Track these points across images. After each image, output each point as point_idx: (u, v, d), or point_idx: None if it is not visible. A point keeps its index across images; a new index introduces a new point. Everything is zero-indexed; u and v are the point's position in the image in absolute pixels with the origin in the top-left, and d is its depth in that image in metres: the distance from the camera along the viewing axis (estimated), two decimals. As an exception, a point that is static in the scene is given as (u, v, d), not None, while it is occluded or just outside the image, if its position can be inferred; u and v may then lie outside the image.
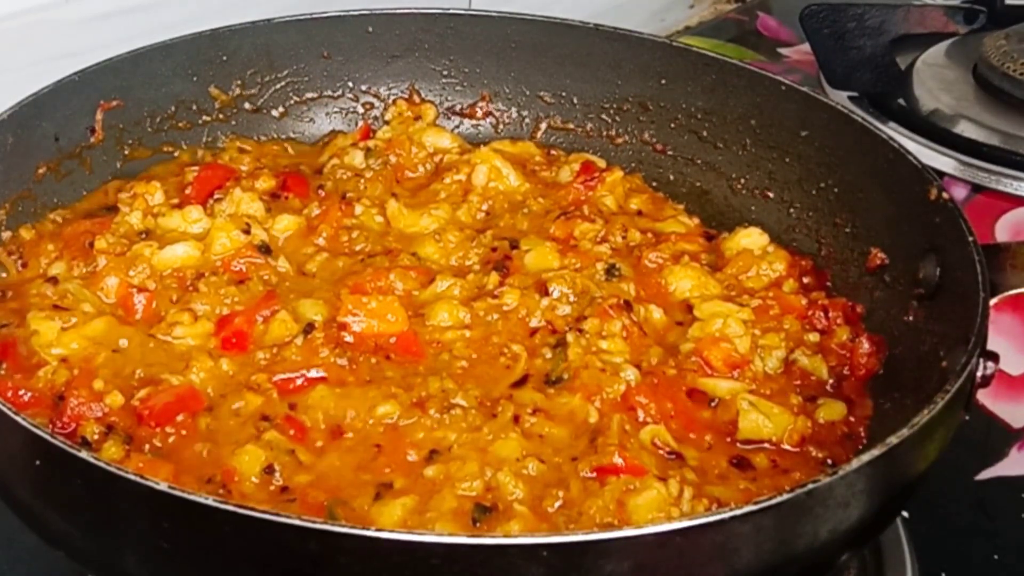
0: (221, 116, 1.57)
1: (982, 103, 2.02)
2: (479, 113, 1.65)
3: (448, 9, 1.62)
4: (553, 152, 1.61)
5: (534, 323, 1.29)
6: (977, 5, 2.28)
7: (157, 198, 1.41)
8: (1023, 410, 1.54)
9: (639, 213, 1.50)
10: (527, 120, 1.65)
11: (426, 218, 1.44)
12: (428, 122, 1.62)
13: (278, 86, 1.60)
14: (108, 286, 1.29)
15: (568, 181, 1.52)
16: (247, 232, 1.36)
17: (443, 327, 1.28)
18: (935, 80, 2.09)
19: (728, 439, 1.20)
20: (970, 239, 1.20)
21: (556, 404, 1.20)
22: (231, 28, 1.54)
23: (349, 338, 1.25)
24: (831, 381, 1.28)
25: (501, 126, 1.65)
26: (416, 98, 1.64)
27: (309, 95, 1.62)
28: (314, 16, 1.58)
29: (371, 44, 1.62)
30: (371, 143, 1.56)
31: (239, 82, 1.57)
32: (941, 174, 1.77)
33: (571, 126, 1.64)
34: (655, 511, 1.07)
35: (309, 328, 1.24)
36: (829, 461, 1.18)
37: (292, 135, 1.61)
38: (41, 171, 1.40)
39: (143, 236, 1.36)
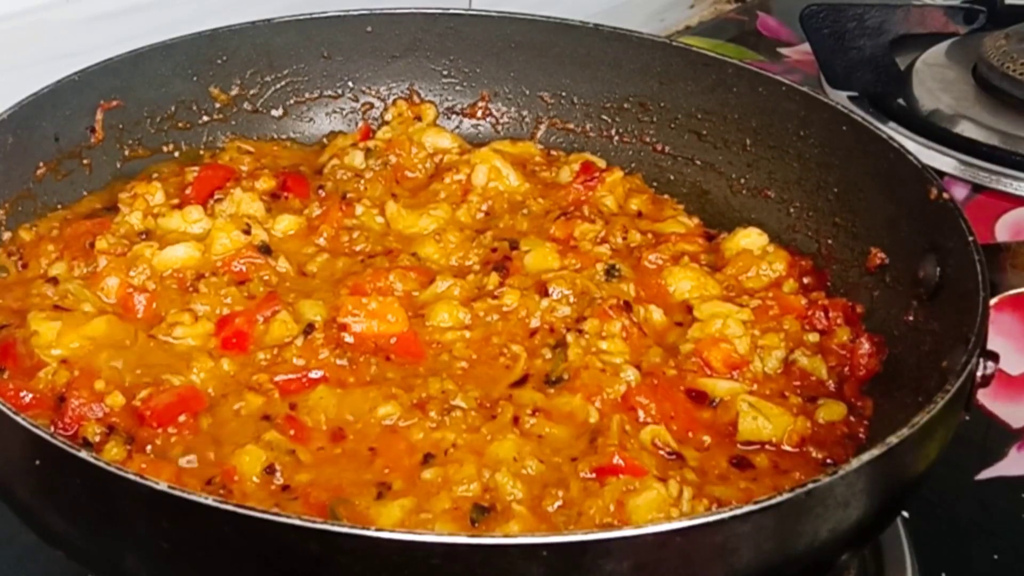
0: (221, 116, 1.57)
1: (982, 103, 2.02)
2: (479, 113, 1.65)
3: (448, 9, 1.62)
4: (553, 152, 1.61)
5: (534, 324, 1.29)
6: (977, 5, 2.28)
7: (157, 198, 1.41)
8: (1023, 410, 1.54)
9: (639, 214, 1.50)
10: (527, 120, 1.65)
11: (425, 218, 1.44)
12: (428, 122, 1.62)
13: (278, 86, 1.60)
14: (108, 286, 1.29)
15: (568, 181, 1.52)
16: (247, 232, 1.36)
17: (443, 328, 1.28)
18: (935, 80, 2.09)
19: (728, 439, 1.20)
20: (970, 239, 1.20)
21: (556, 404, 1.20)
22: (231, 28, 1.54)
23: (349, 339, 1.25)
24: (831, 381, 1.28)
25: (501, 126, 1.65)
26: (416, 98, 1.64)
27: (309, 95, 1.62)
28: (314, 16, 1.58)
29: (371, 44, 1.62)
30: (371, 143, 1.56)
31: (239, 82, 1.57)
32: (941, 174, 1.77)
33: (571, 126, 1.64)
34: (655, 511, 1.07)
35: (309, 328, 1.24)
36: (829, 461, 1.18)
37: (292, 135, 1.61)
38: (41, 171, 1.40)
39: (143, 236, 1.36)
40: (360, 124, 1.62)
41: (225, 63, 1.55)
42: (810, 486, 0.94)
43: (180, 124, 1.54)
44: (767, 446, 1.19)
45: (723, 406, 1.22)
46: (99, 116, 1.45)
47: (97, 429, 1.13)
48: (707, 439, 1.19)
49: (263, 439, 1.13)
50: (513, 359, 1.25)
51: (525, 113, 1.65)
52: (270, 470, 1.10)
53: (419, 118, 1.62)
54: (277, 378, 1.20)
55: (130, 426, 1.14)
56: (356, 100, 1.64)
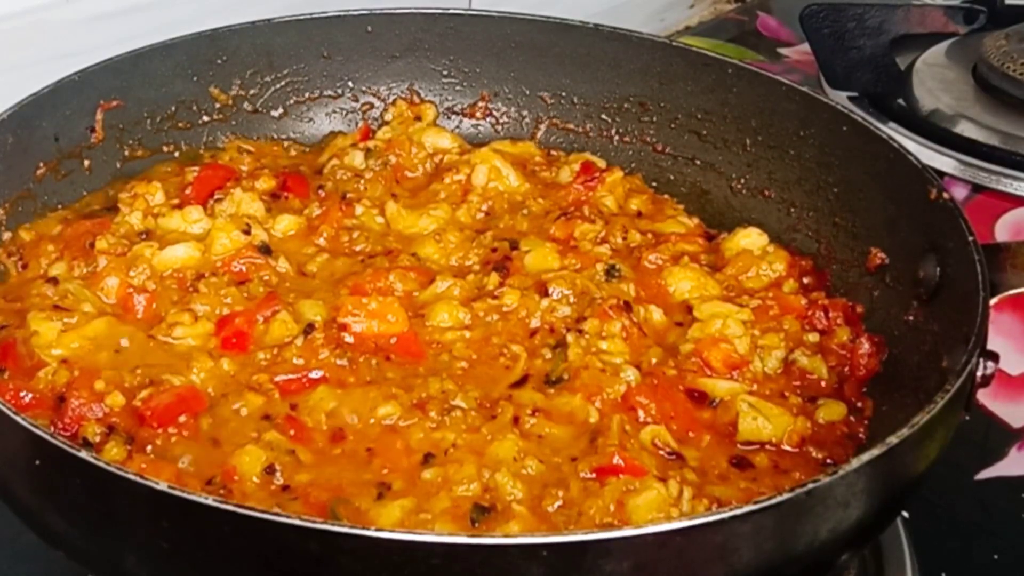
0: (221, 116, 1.57)
1: (982, 103, 2.02)
2: (479, 113, 1.65)
3: (448, 9, 1.62)
4: (553, 152, 1.61)
5: (534, 324, 1.29)
6: (977, 5, 2.28)
7: (157, 198, 1.41)
8: (1023, 410, 1.54)
9: (639, 214, 1.50)
10: (527, 120, 1.65)
11: (425, 218, 1.44)
12: (428, 122, 1.62)
13: (278, 86, 1.60)
14: (108, 286, 1.29)
15: (568, 181, 1.52)
16: (247, 232, 1.36)
17: (443, 328, 1.28)
18: (935, 80, 2.09)
19: (728, 439, 1.20)
20: (970, 239, 1.20)
21: (556, 404, 1.20)
22: (231, 28, 1.54)
23: (349, 339, 1.25)
24: (831, 381, 1.28)
25: (501, 126, 1.65)
26: (416, 98, 1.64)
27: (309, 95, 1.62)
28: (314, 16, 1.58)
29: (371, 44, 1.62)
30: (371, 143, 1.56)
31: (239, 82, 1.57)
32: (941, 174, 1.77)
33: (571, 126, 1.64)
34: (655, 511, 1.07)
35: (309, 328, 1.24)
36: (829, 461, 1.18)
37: (292, 135, 1.61)
38: (41, 171, 1.40)
39: (143, 236, 1.36)
40: (360, 124, 1.62)
41: (225, 63, 1.55)
42: (810, 486, 0.94)
43: (180, 124, 1.54)
44: (767, 446, 1.19)
45: (723, 406, 1.22)
46: (99, 116, 1.45)
47: (97, 429, 1.13)
48: (707, 439, 1.19)
49: (263, 439, 1.13)
50: (513, 359, 1.25)
51: (525, 113, 1.65)
52: (270, 470, 1.10)
53: (419, 118, 1.62)
54: (277, 378, 1.20)
55: (130, 426, 1.14)
56: (356, 100, 1.64)
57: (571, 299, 1.32)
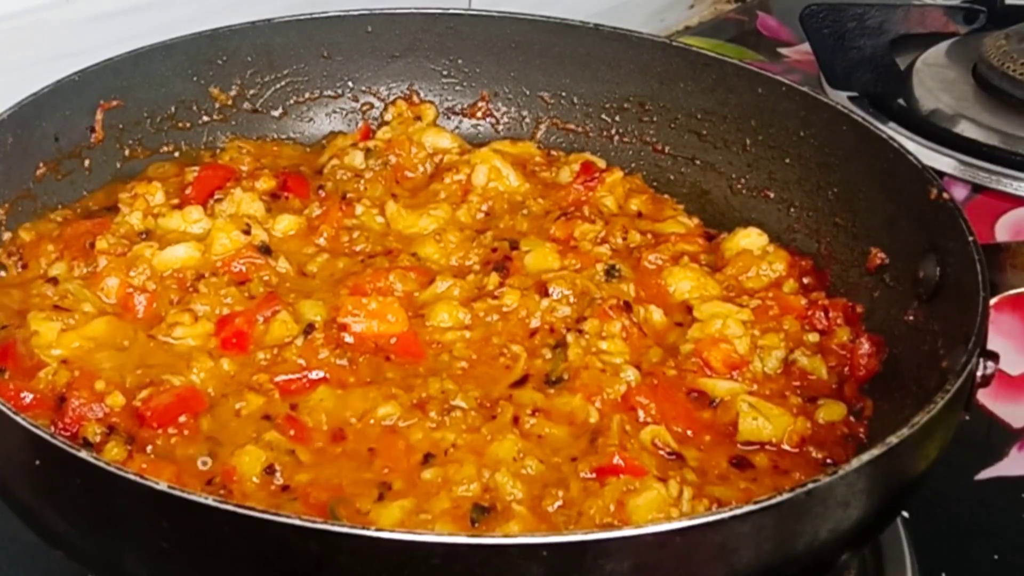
0: (221, 116, 1.57)
1: (982, 103, 2.02)
2: (479, 113, 1.65)
3: (448, 9, 1.62)
4: (553, 152, 1.61)
5: (534, 324, 1.29)
6: (977, 5, 2.28)
7: (157, 198, 1.41)
8: (1023, 410, 1.54)
9: (639, 214, 1.50)
10: (527, 120, 1.65)
11: (425, 218, 1.44)
12: (428, 122, 1.62)
13: (278, 86, 1.60)
14: (108, 286, 1.29)
15: (568, 181, 1.52)
16: (247, 232, 1.36)
17: (443, 328, 1.28)
18: (935, 80, 2.09)
19: (728, 439, 1.20)
20: (970, 239, 1.20)
21: (556, 404, 1.20)
22: (231, 28, 1.54)
23: (349, 339, 1.25)
24: (831, 381, 1.28)
25: (501, 126, 1.65)
26: (416, 98, 1.64)
27: (309, 95, 1.62)
28: (314, 16, 1.58)
29: (371, 44, 1.62)
30: (371, 143, 1.56)
31: (239, 82, 1.57)
32: (941, 174, 1.77)
33: (571, 126, 1.64)
34: (655, 511, 1.07)
35: (309, 329, 1.24)
36: (829, 461, 1.18)
37: (292, 135, 1.61)
38: (41, 171, 1.40)
39: (143, 236, 1.36)
40: (360, 124, 1.62)
41: (225, 63, 1.55)
42: (810, 486, 0.94)
43: (180, 124, 1.54)
44: (767, 446, 1.19)
45: (723, 406, 1.22)
46: (99, 116, 1.45)
47: (97, 429, 1.13)
48: (707, 439, 1.19)
49: (263, 439, 1.13)
50: (513, 359, 1.25)
51: (525, 113, 1.65)
52: (270, 470, 1.10)
53: (419, 118, 1.62)
54: (277, 378, 1.20)
55: (130, 426, 1.14)
56: (356, 100, 1.64)
57: (571, 299, 1.32)
